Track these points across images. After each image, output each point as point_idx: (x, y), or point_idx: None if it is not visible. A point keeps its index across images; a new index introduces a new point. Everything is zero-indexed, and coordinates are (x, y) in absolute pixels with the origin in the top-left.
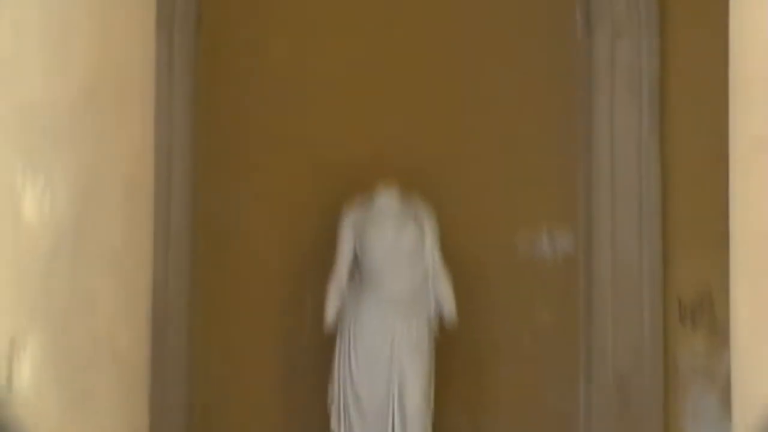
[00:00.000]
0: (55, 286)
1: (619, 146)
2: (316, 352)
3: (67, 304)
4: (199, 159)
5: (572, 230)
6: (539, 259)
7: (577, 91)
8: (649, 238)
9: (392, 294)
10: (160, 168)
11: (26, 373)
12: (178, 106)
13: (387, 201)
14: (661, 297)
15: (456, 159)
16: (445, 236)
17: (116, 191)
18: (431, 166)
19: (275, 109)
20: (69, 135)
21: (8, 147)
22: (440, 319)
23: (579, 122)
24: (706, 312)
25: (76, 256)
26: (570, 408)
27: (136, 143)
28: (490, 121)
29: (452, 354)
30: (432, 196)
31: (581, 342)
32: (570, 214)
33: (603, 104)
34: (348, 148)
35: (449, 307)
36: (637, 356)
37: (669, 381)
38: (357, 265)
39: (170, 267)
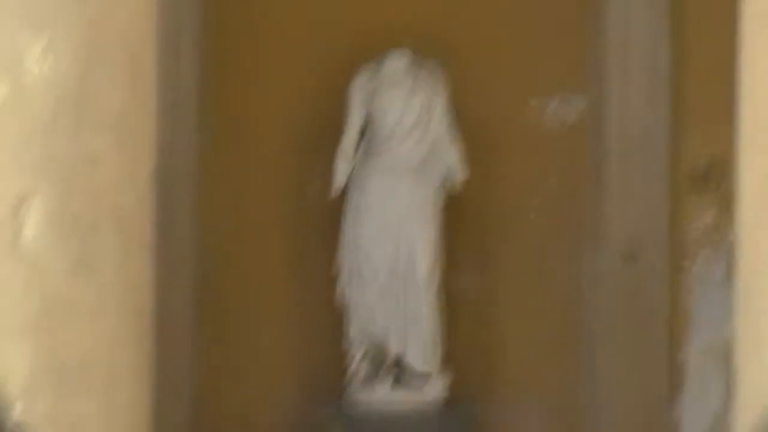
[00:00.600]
0: (58, 146)
1: (632, 15)
2: (325, 223)
3: (70, 166)
4: (208, 24)
5: (583, 98)
6: (549, 126)
7: None
8: (660, 107)
9: (401, 160)
10: (166, 31)
11: (30, 232)
12: None
13: (398, 64)
14: (670, 166)
15: (467, 25)
16: (456, 102)
17: (120, 51)
18: (442, 32)
19: None
20: None
21: (9, 5)
22: (449, 185)
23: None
24: (716, 181)
25: (79, 117)
26: (576, 273)
27: (141, 3)
28: None
29: (461, 219)
30: (443, 62)
31: (589, 209)
32: (581, 83)
33: None
34: (357, 18)
35: (460, 172)
36: (645, 224)
37: (675, 248)
38: (366, 131)
39: (177, 130)
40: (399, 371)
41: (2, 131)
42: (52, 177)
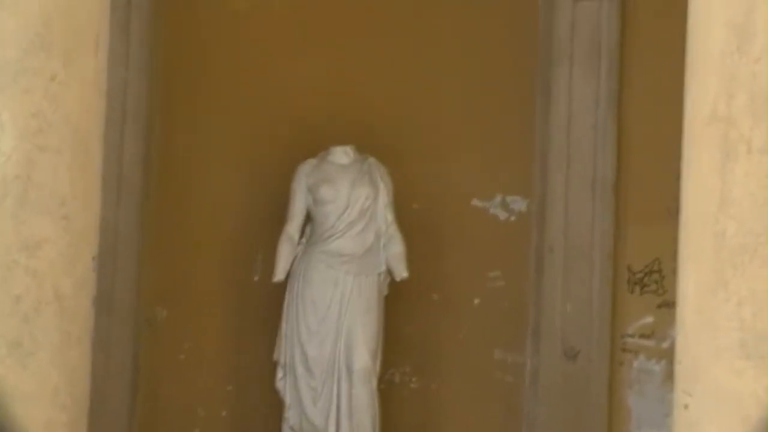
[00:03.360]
0: (0, 230)
1: (576, 115)
2: (265, 307)
3: (11, 248)
4: (155, 105)
5: (526, 196)
6: (492, 222)
7: (536, 58)
8: (602, 208)
9: (343, 251)
10: (113, 112)
11: None
12: (134, 48)
13: (341, 157)
14: (611, 265)
15: (413, 122)
16: (400, 197)
17: (65, 136)
18: (388, 127)
19: (234, 61)
20: (18, 78)
21: None
22: (391, 277)
23: (537, 90)
24: (655, 281)
25: (22, 201)
26: (518, 367)
27: (87, 87)
28: (448, 85)
29: (402, 312)
30: (388, 157)
31: (530, 305)
32: (525, 181)
33: (562, 72)
34: (306, 107)
35: (401, 268)
36: (585, 320)
37: (615, 348)
38: (309, 221)
39: (120, 214)
40: None
41: None
42: None
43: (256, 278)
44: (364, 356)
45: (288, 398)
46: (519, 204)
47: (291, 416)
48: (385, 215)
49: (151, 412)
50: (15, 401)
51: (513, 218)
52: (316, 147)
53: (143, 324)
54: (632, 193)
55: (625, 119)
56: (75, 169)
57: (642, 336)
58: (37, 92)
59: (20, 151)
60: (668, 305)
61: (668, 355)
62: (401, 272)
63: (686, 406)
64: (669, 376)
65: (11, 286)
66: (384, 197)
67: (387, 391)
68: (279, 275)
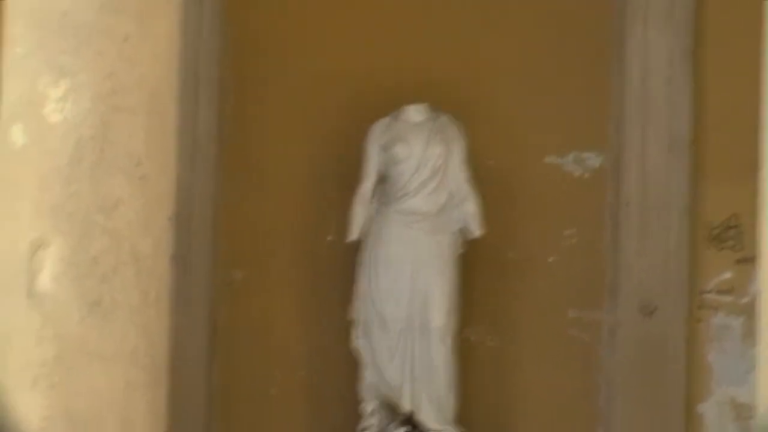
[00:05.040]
0: (77, 190)
1: (652, 71)
2: (339, 267)
3: (89, 210)
4: (227, 68)
5: (601, 152)
6: (567, 179)
7: (611, 14)
8: (679, 162)
9: (417, 210)
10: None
11: (47, 277)
12: (207, 12)
13: (415, 115)
14: (689, 220)
15: (486, 79)
16: (473, 155)
17: (140, 96)
18: (461, 85)
19: (305, 26)
20: (93, 38)
21: (31, 50)
22: (465, 235)
23: (611, 45)
24: (734, 236)
25: (98, 161)
26: (594, 325)
27: (161, 48)
28: (521, 42)
29: (478, 270)
30: (461, 115)
31: (606, 262)
32: (599, 137)
33: (636, 29)
34: (376, 67)
35: (476, 226)
36: (663, 277)
37: (693, 304)
38: (383, 180)
39: (195, 177)
40: (411, 427)
41: (21, 176)
42: (71, 221)
43: (329, 238)
44: (440, 315)
45: (365, 357)
46: (593, 160)
47: (368, 375)
48: (458, 173)
49: (228, 373)
50: (95, 361)
51: (587, 175)
52: (388, 107)
53: (220, 285)
54: (709, 149)
55: (701, 74)
56: (150, 130)
57: (720, 292)
58: (111, 53)
59: (96, 112)
60: (747, 261)
61: (747, 311)
62: (475, 230)
63: None
64: (749, 332)
65: (89, 246)
66: (458, 155)
67: (463, 350)
68: (353, 234)
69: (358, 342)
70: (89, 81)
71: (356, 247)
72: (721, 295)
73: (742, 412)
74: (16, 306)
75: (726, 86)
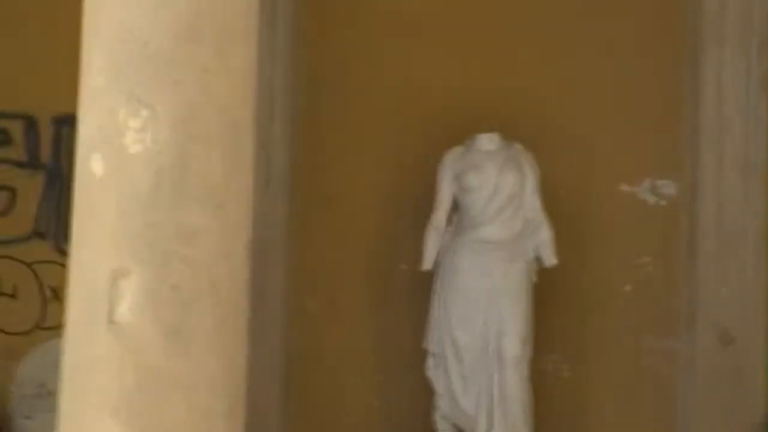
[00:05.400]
0: (157, 219)
1: (726, 97)
2: (413, 296)
3: (168, 238)
4: (301, 99)
5: (676, 180)
6: (642, 207)
7: (685, 40)
8: (755, 190)
9: (491, 238)
10: (261, 105)
11: (127, 306)
12: (280, 44)
13: (487, 144)
14: (766, 246)
15: (558, 107)
16: (546, 183)
17: (219, 124)
18: (532, 114)
19: (377, 53)
20: (171, 67)
21: (111, 80)
22: (540, 264)
23: (686, 72)
24: None
25: (178, 190)
26: (671, 354)
27: (238, 78)
28: (592, 68)
29: (552, 300)
30: (533, 143)
31: (684, 290)
32: (674, 164)
33: (711, 54)
34: (449, 96)
35: (549, 255)
36: (741, 305)
37: None
38: (456, 209)
39: (269, 206)
40: None
41: (101, 206)
42: (151, 250)
43: (403, 267)
44: (515, 344)
45: (439, 387)
46: (669, 188)
47: (442, 405)
48: (532, 201)
49: (302, 401)
50: (176, 390)
51: (663, 202)
52: (461, 135)
53: (294, 314)
54: None
55: None
56: (227, 159)
57: None
58: (189, 82)
59: (174, 142)
60: None
61: None
62: (550, 259)
63: None
64: None
65: (168, 275)
66: (531, 183)
67: (539, 380)
68: (427, 264)
69: (432, 371)
70: (168, 111)
71: (430, 275)
72: None
73: None
74: (96, 336)
75: None
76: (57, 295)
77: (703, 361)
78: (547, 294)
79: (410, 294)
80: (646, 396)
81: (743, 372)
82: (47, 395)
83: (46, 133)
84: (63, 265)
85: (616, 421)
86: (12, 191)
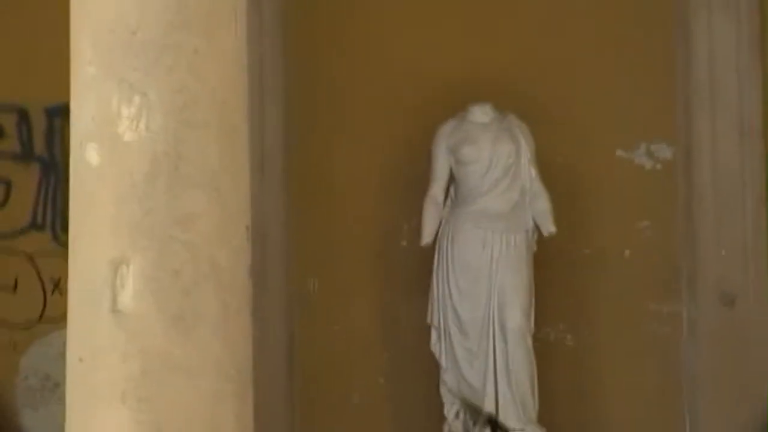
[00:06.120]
0: (154, 206)
1: (718, 60)
2: (415, 271)
3: (166, 225)
4: (291, 79)
5: (672, 144)
6: (638, 172)
7: (675, 2)
8: (750, 151)
9: (490, 210)
10: (252, 87)
11: (129, 293)
12: (267, 23)
13: (481, 116)
14: (764, 205)
15: (551, 76)
16: (542, 152)
17: (210, 109)
18: (526, 83)
19: (369, 31)
20: (162, 53)
21: (102, 68)
22: (539, 234)
23: (677, 34)
24: None
25: (174, 176)
26: (674, 317)
27: (229, 60)
28: (585, 36)
29: (553, 269)
30: (527, 113)
31: (683, 253)
32: (669, 128)
33: (701, 16)
34: (441, 68)
35: (548, 224)
36: (742, 266)
37: None
38: (453, 182)
39: (265, 188)
40: (494, 428)
41: (98, 196)
42: (150, 237)
43: (403, 243)
44: (517, 315)
45: (444, 361)
46: (664, 152)
47: (448, 379)
48: (528, 171)
49: (308, 382)
50: (181, 375)
51: (659, 166)
52: (453, 109)
53: (296, 295)
54: None
55: None
56: (222, 143)
57: None
58: (181, 67)
59: (168, 128)
60: None
61: None
62: (549, 227)
63: None
64: None
65: (169, 261)
66: (526, 153)
67: (542, 349)
68: (427, 238)
69: (436, 346)
70: (160, 97)
71: (431, 251)
72: None
73: None
74: (100, 325)
75: None
76: (58, 286)
77: (706, 323)
78: (548, 263)
79: (412, 270)
80: (651, 360)
81: (746, 332)
82: (53, 387)
83: (39, 124)
84: (62, 257)
85: (622, 386)
86: (7, 184)
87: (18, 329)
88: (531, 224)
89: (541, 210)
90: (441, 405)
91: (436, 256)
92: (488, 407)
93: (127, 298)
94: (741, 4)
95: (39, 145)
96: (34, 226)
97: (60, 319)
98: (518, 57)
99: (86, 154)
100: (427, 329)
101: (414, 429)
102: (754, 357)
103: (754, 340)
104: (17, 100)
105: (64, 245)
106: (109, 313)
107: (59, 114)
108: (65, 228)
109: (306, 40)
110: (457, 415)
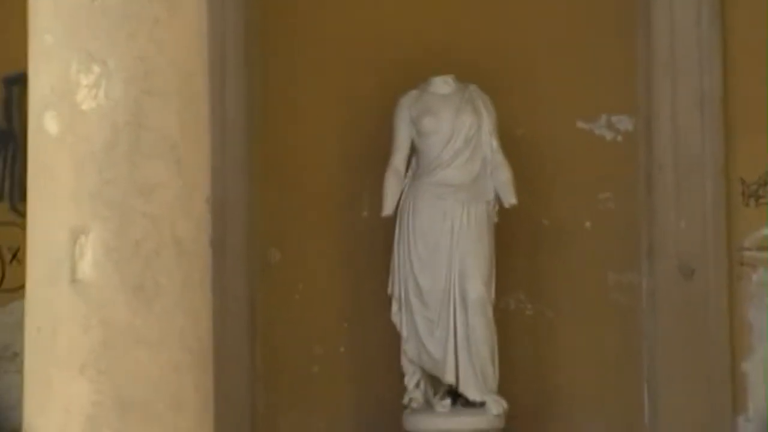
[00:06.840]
0: (114, 176)
1: (679, 31)
2: (376, 242)
3: (127, 195)
4: (253, 48)
5: (632, 115)
6: (599, 143)
7: None
8: (711, 121)
9: (451, 181)
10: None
11: (89, 263)
12: None
13: (442, 87)
14: (724, 178)
15: (512, 47)
16: (503, 123)
17: (171, 78)
18: (487, 54)
19: (331, 2)
20: (122, 21)
21: (60, 37)
22: (500, 205)
23: (638, 7)
24: None
25: (134, 145)
26: (634, 288)
27: (189, 29)
28: (548, 8)
29: (513, 240)
30: (489, 84)
31: (643, 224)
32: (629, 99)
33: None
34: (402, 39)
35: (509, 195)
36: (701, 236)
37: (733, 262)
38: (414, 153)
39: (227, 159)
40: (454, 398)
41: (57, 165)
42: (110, 207)
43: (365, 214)
44: (478, 285)
45: (405, 331)
46: (625, 123)
47: (409, 349)
48: (490, 142)
49: (269, 352)
50: (142, 345)
51: (619, 138)
52: (417, 80)
53: (258, 266)
54: (741, 105)
55: (729, 30)
56: (183, 113)
57: (760, 248)
58: (141, 36)
59: (128, 97)
60: None
61: None
62: (510, 199)
63: None
64: None
65: (129, 231)
66: (488, 124)
67: (503, 319)
68: (388, 209)
69: (396, 316)
70: (120, 66)
71: (392, 221)
72: (761, 252)
73: None
74: (59, 294)
75: (755, 41)
76: (16, 256)
77: (665, 294)
78: (508, 234)
79: (373, 241)
80: (611, 330)
81: (705, 303)
82: (12, 357)
83: None
84: (20, 226)
85: (582, 356)
86: None
87: None
88: (492, 195)
89: (503, 181)
90: (402, 375)
91: (397, 227)
92: (449, 378)
93: (86, 267)
94: None
95: None
96: None
97: (19, 289)
98: (480, 28)
99: (45, 123)
100: (388, 299)
101: (375, 399)
102: (712, 327)
103: (713, 311)
104: None
105: (23, 215)
106: (69, 283)
107: (17, 83)
108: (24, 197)
109: (268, 9)
110: (417, 384)
